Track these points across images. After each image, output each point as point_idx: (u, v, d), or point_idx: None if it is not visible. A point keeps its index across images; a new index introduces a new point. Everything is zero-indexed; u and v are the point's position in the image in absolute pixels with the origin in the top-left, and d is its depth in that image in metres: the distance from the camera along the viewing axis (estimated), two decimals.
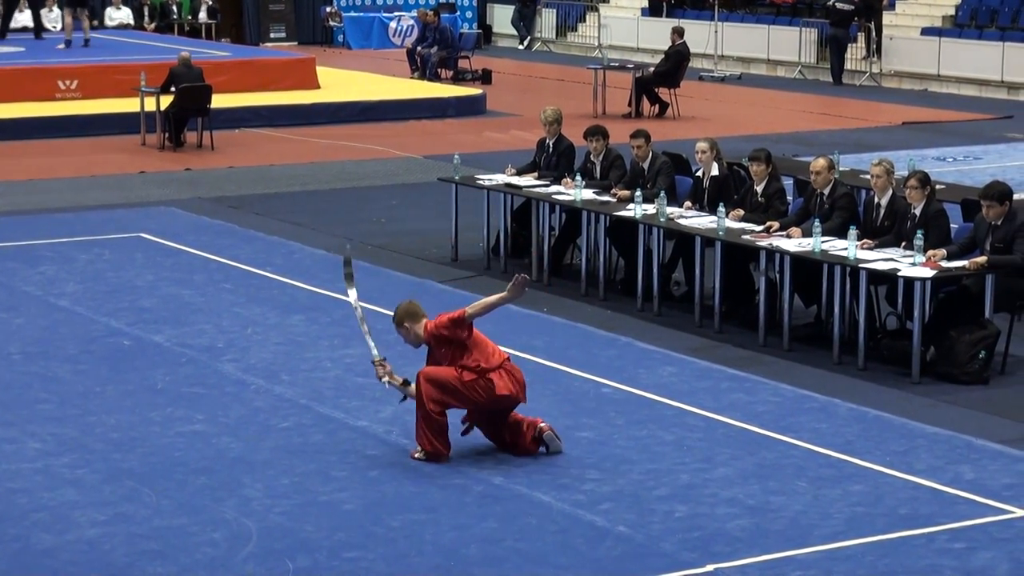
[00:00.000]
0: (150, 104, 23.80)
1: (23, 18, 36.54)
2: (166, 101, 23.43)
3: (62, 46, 29.23)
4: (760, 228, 13.60)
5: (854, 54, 33.50)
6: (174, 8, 38.64)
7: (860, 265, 12.50)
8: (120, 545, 8.84)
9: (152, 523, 9.17)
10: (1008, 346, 12.55)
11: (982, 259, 12.34)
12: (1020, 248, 12.40)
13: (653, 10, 38.71)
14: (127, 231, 17.53)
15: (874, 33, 33.20)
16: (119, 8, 37.34)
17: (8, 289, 14.81)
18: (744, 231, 13.61)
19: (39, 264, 15.84)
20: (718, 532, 9.07)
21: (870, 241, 12.90)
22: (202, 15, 39.01)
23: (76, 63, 27.72)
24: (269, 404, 11.43)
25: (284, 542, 8.91)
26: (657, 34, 34.97)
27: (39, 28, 31.32)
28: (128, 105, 24.67)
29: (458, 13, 40.36)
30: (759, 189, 14.17)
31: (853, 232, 12.67)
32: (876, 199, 13.39)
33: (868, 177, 13.92)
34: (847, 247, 12.64)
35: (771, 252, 13.18)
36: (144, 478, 9.89)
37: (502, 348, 10.68)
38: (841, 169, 15.93)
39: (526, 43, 40.88)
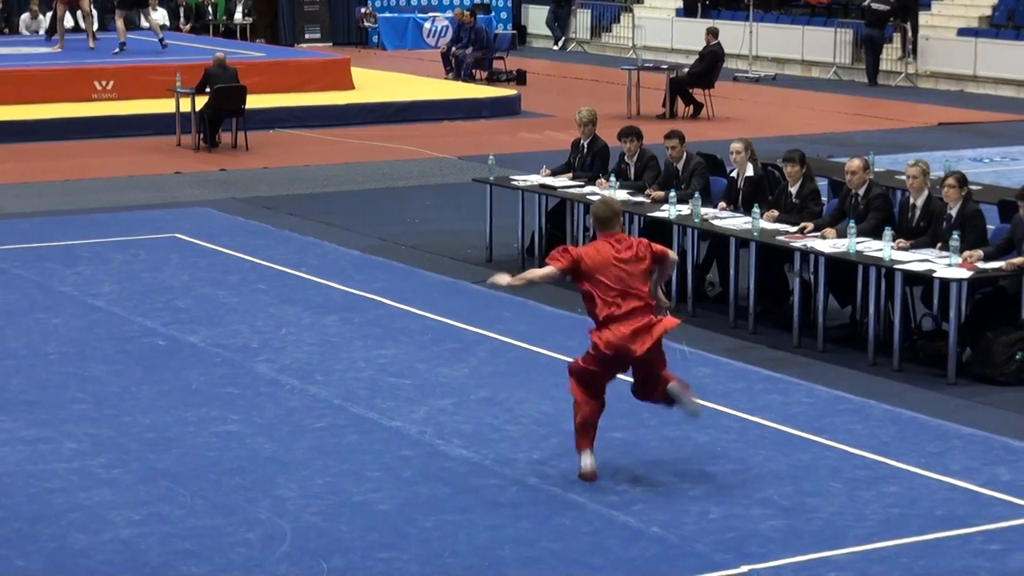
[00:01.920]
0: (185, 105, 23.88)
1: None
2: (201, 102, 23.50)
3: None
4: (795, 229, 13.56)
5: (889, 55, 33.38)
6: (209, 9, 38.72)
7: (895, 266, 12.45)
8: (155, 545, 8.87)
9: (187, 523, 9.20)
10: None
11: (1019, 260, 12.28)
12: None
13: (687, 11, 38.63)
14: (162, 231, 17.58)
15: (910, 33, 33.08)
16: (155, 9, 37.41)
17: (45, 289, 14.87)
18: (779, 232, 13.57)
19: (76, 264, 15.90)
20: (752, 533, 9.05)
21: (905, 242, 12.85)
22: (237, 16, 39.10)
23: (112, 64, 27.83)
24: (303, 404, 11.45)
25: (318, 542, 8.92)
26: (691, 35, 34.90)
27: (60, 29, 31.50)
28: (163, 106, 24.75)
29: (493, 14, 40.35)
30: (793, 190, 14.13)
31: (888, 233, 12.63)
32: (912, 200, 13.34)
33: (904, 178, 13.88)
34: (882, 248, 12.60)
35: (805, 253, 13.15)
36: (179, 478, 9.92)
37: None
38: (876, 170, 15.87)
39: (560, 44, 40.86)
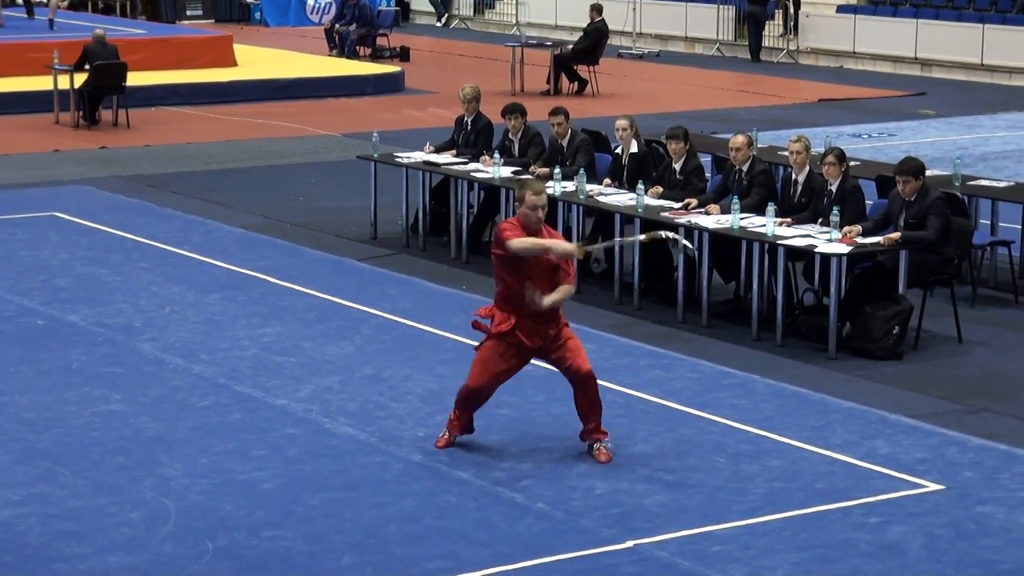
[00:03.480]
0: (64, 82, 23.58)
1: None
2: (80, 79, 23.22)
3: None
4: (679, 205, 13.65)
5: (771, 31, 33.66)
6: None
7: (778, 241, 12.57)
8: (35, 526, 8.77)
9: (68, 504, 9.10)
10: (921, 322, 12.69)
11: (896, 235, 12.46)
12: (933, 224, 12.54)
13: None
14: (41, 210, 17.37)
15: (791, 10, 33.37)
16: None
17: None
18: (663, 208, 13.65)
19: None
20: (637, 508, 9.11)
21: (788, 220, 12.97)
22: None
23: None
24: (187, 383, 11.37)
25: (203, 521, 8.87)
26: (575, 11, 34.97)
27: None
28: (41, 83, 24.43)
29: None
30: (677, 166, 14.22)
31: (771, 209, 12.75)
32: (794, 175, 13.47)
33: (786, 154, 14.01)
34: (765, 224, 12.71)
35: (690, 229, 13.24)
36: (59, 458, 9.81)
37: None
38: (759, 146, 16.01)
39: (444, 20, 40.82)
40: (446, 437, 10.14)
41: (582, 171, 14.33)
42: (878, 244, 12.47)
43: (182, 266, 14.89)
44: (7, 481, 9.41)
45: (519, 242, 9.72)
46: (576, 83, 27.85)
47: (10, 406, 10.80)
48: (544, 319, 9.84)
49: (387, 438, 10.25)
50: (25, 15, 30.74)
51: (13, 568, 8.28)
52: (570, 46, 28.46)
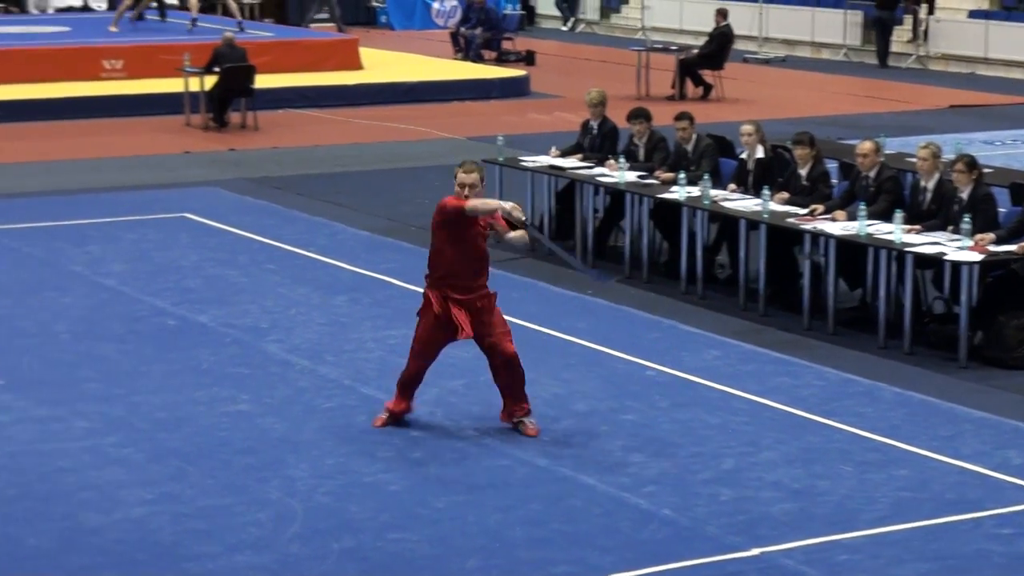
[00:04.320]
0: (194, 84, 23.87)
1: None
2: (210, 81, 23.49)
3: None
4: (805, 211, 13.55)
5: (900, 37, 33.32)
6: None
7: (906, 249, 12.44)
8: (166, 524, 8.88)
9: (197, 503, 9.21)
10: None
11: None
12: None
13: None
14: (172, 211, 17.59)
15: (921, 15, 33.01)
16: None
17: (55, 268, 14.88)
18: (789, 214, 13.56)
19: (86, 243, 15.91)
20: (763, 516, 9.06)
21: (917, 227, 12.83)
22: None
23: (121, 43, 27.83)
24: (313, 384, 11.47)
25: (328, 522, 8.93)
26: (701, 16, 34.84)
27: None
28: (172, 85, 24.74)
29: None
30: (803, 172, 14.12)
31: (899, 215, 12.62)
32: (922, 182, 13.33)
33: (914, 160, 13.86)
34: (893, 230, 12.59)
35: (816, 235, 13.14)
36: (189, 458, 9.93)
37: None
38: (887, 152, 15.85)
39: (570, 24, 40.82)
40: (384, 417, 10.50)
41: (707, 176, 14.27)
42: (1012, 252, 12.30)
43: (308, 268, 15.02)
44: (140, 480, 9.54)
45: (476, 201, 10.21)
46: (701, 88, 27.74)
47: (143, 405, 10.94)
48: (473, 293, 10.34)
49: (512, 442, 10.26)
50: (159, 18, 31.13)
51: (146, 566, 8.40)
52: (695, 50, 28.34)
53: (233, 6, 31.21)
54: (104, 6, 36.50)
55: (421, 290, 14.05)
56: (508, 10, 38.38)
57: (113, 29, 29.70)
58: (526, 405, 10.50)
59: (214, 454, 10.01)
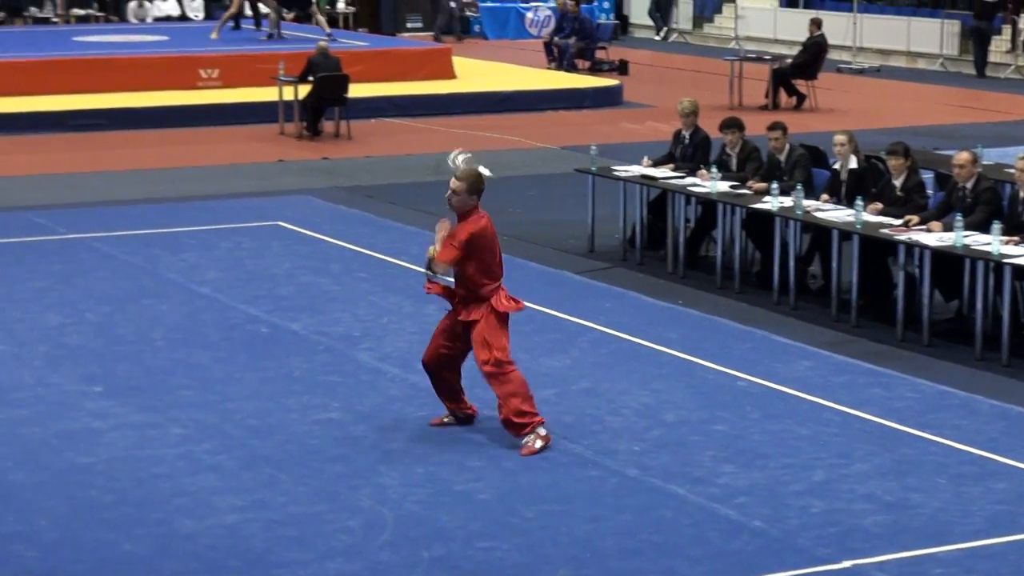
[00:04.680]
0: (288, 93, 24.03)
1: (167, 7, 37.16)
2: (304, 90, 23.64)
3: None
4: (899, 222, 13.44)
5: (998, 46, 32.98)
6: None
7: (1004, 260, 12.31)
8: (258, 531, 8.94)
9: (289, 510, 9.26)
10: None
11: None
12: None
13: (790, 1, 38.41)
14: (265, 219, 17.71)
15: (1020, 25, 32.66)
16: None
17: (152, 276, 15.02)
18: (882, 224, 13.46)
19: (181, 251, 16.06)
20: (855, 528, 8.98)
21: (1015, 238, 12.69)
22: (340, 5, 39.32)
23: (218, 52, 28.09)
24: (404, 393, 11.50)
25: (419, 531, 8.95)
26: (795, 25, 34.70)
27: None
28: (267, 94, 24.93)
29: (596, 3, 40.29)
30: (898, 183, 14.01)
31: (997, 227, 12.49)
32: (1021, 193, 13.18)
33: (1013, 171, 13.70)
34: (990, 242, 12.45)
35: (910, 246, 13.03)
36: (281, 465, 9.99)
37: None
38: (984, 163, 15.69)
39: (663, 34, 40.75)
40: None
41: (799, 186, 14.19)
42: None
43: (400, 276, 15.07)
44: (233, 486, 9.61)
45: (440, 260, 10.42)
46: (795, 97, 27.59)
47: (236, 412, 11.02)
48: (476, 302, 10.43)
49: (603, 452, 10.25)
50: (254, 27, 31.37)
51: (238, 572, 8.46)
52: (789, 60, 28.21)
53: (321, 18, 31.35)
54: (201, 16, 36.83)
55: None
56: (602, 20, 38.37)
57: (214, 36, 29.95)
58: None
59: (306, 461, 10.06)
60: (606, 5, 41.33)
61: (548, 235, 17.04)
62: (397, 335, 13.05)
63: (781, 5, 38.51)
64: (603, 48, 33.35)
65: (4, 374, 11.83)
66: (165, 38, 30.97)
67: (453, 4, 39.07)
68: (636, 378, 11.84)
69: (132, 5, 36.78)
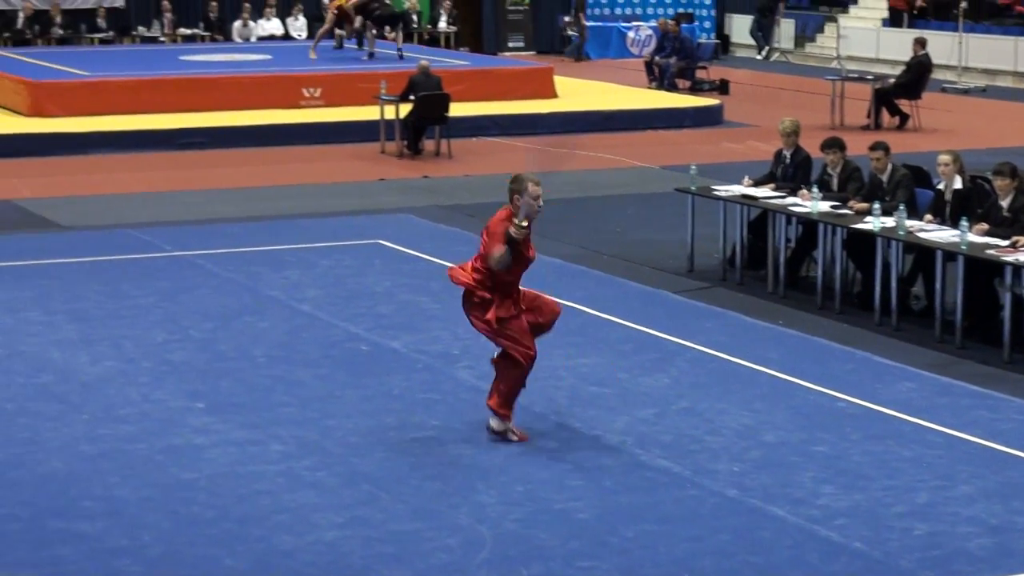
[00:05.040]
0: (390, 112, 24.16)
1: (270, 26, 37.51)
2: (405, 109, 23.76)
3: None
4: (1006, 243, 13.29)
5: None
6: (414, 17, 39.11)
7: None
8: (357, 548, 8.97)
9: (388, 527, 9.29)
10: None
11: None
12: None
13: (894, 20, 38.13)
14: (366, 237, 17.81)
15: None
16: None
17: (254, 293, 15.15)
18: (988, 245, 13.32)
19: (283, 269, 16.18)
20: (959, 551, 8.88)
21: None
22: (441, 24, 39.51)
23: (320, 71, 28.29)
24: None
25: (518, 549, 8.95)
26: (898, 45, 34.42)
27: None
28: (369, 113, 25.08)
29: (697, 23, 40.24)
30: (1004, 203, 13.86)
31: None
32: None
33: None
34: None
35: (1018, 267, 12.88)
36: (381, 482, 10.03)
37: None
38: None
39: (764, 53, 40.58)
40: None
41: (902, 207, 14.08)
42: None
43: None
44: (332, 503, 9.66)
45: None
46: (897, 117, 27.38)
47: (336, 429, 11.08)
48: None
49: (701, 472, 10.20)
50: (356, 46, 31.56)
51: None
52: (892, 80, 28.00)
53: (397, 35, 31.41)
54: (304, 35, 37.13)
55: (614, 318, 14.13)
56: (703, 39, 38.30)
57: (312, 56, 30.18)
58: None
59: (405, 479, 10.10)
60: (707, 25, 41.25)
61: (647, 254, 17.01)
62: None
63: (884, 25, 38.24)
64: (704, 67, 33.27)
65: (112, 390, 11.97)
66: (268, 57, 31.25)
67: (569, 26, 39.26)
68: (735, 398, 11.79)
69: (237, 25, 37.19)
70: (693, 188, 16.39)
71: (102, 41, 36.25)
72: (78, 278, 15.64)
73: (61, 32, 35.99)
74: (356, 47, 31.53)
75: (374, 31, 30.45)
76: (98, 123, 25.22)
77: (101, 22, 36.68)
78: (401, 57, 29.50)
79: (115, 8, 37.25)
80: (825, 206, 14.94)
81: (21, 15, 35.53)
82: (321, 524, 9.32)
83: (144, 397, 11.82)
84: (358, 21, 30.16)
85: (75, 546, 8.98)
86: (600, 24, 40.39)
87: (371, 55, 30.07)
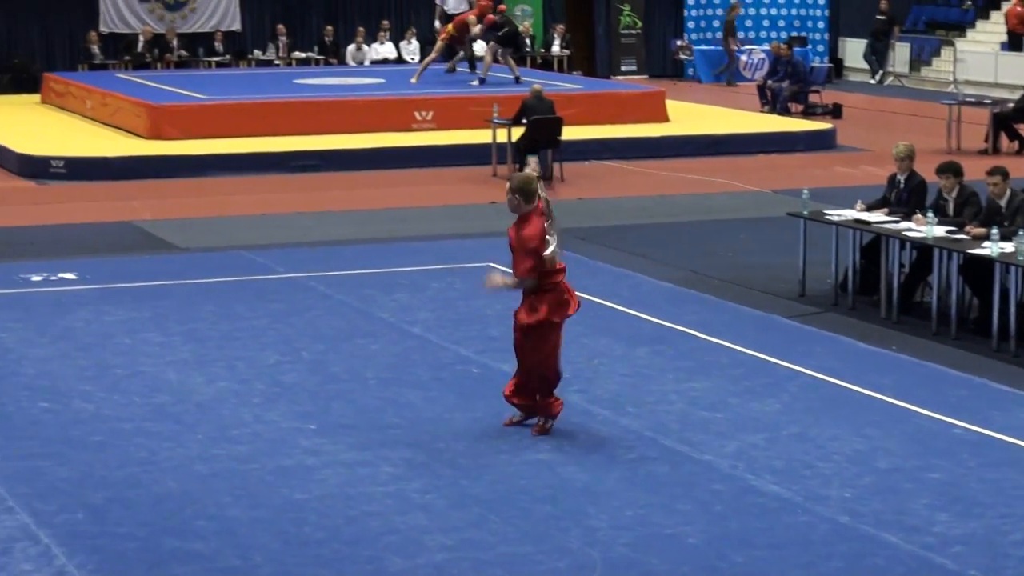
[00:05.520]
0: (502, 135, 24.23)
1: (384, 50, 37.77)
2: (517, 133, 23.81)
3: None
4: None
5: None
6: (527, 41, 39.16)
7: None
8: (467, 571, 8.98)
9: (498, 550, 9.30)
10: None
11: None
12: None
13: (1013, 44, 37.68)
14: (477, 260, 17.83)
15: None
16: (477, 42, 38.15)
17: (366, 315, 15.23)
18: None
19: (394, 291, 16.25)
20: None
21: None
22: (555, 48, 39.56)
23: (433, 95, 28.42)
24: (614, 435, 11.49)
25: (628, 573, 8.92)
26: (1018, 69, 34.05)
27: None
28: (480, 136, 25.16)
29: (810, 47, 40.01)
30: None
31: None
32: None
33: None
34: None
35: None
36: (490, 505, 10.03)
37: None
38: None
39: (878, 77, 40.26)
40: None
41: (1021, 232, 13.89)
42: None
43: (611, 319, 15.07)
44: (442, 526, 9.68)
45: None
46: (1017, 142, 27.04)
47: (446, 452, 11.10)
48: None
49: (813, 498, 10.12)
50: (469, 70, 31.67)
51: None
52: (1011, 104, 27.66)
53: (511, 62, 31.45)
54: (416, 58, 37.33)
55: (725, 343, 14.06)
56: (816, 63, 38.07)
57: (413, 81, 30.30)
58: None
59: (515, 502, 10.10)
60: (820, 48, 40.99)
61: (759, 279, 16.92)
62: (607, 378, 13.04)
63: (1003, 48, 37.80)
64: (817, 91, 33.07)
65: (226, 411, 12.09)
66: (381, 81, 31.45)
67: (681, 50, 39.24)
68: (847, 424, 11.69)
69: (351, 49, 37.48)
70: (805, 212, 16.28)
71: (219, 64, 36.69)
72: (194, 299, 15.81)
73: (179, 55, 36.46)
74: (468, 70, 31.64)
75: (499, 52, 30.31)
76: (215, 146, 25.51)
77: (218, 45, 37.12)
78: (518, 81, 29.54)
79: (232, 32, 37.69)
80: (940, 231, 14.79)
81: (141, 39, 36.03)
82: (431, 546, 9.34)
83: (256, 418, 11.92)
84: (480, 45, 30.21)
85: (189, 565, 9.07)
86: (713, 48, 40.27)
87: (482, 80, 30.12)
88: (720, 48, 39.97)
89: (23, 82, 35.12)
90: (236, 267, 17.51)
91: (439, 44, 31.16)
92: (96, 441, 11.30)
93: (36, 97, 33.23)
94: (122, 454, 11.01)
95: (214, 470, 10.68)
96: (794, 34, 39.94)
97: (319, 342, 14.18)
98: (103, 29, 36.56)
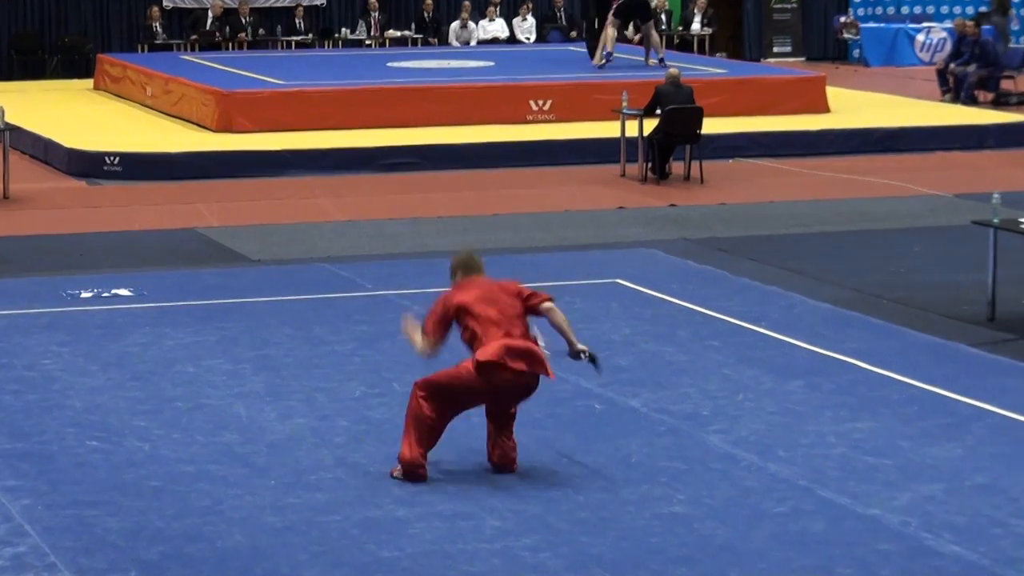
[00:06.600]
0: (632, 129, 24.20)
1: (493, 28, 37.87)
2: (650, 125, 23.77)
3: (654, 62, 30.13)
4: None
5: None
6: (663, 18, 39.10)
7: None
8: None
9: None
10: None
11: None
12: None
13: None
14: (602, 276, 17.84)
15: None
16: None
17: None
18: None
19: None
20: None
21: None
22: (695, 26, 39.47)
23: (550, 80, 28.47)
24: (762, 484, 11.43)
25: None
26: None
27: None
28: (607, 129, 25.17)
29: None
30: None
31: None
32: None
33: None
34: None
35: None
36: (616, 566, 10.00)
37: None
38: None
39: None
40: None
41: None
42: None
43: (758, 346, 15.01)
44: None
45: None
46: None
47: (564, 502, 11.08)
48: None
49: (1004, 561, 10.01)
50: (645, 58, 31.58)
51: None
52: None
53: (655, 37, 31.33)
54: (532, 37, 37.39)
55: (895, 375, 13.95)
56: (1010, 44, 37.72)
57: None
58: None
59: (645, 563, 10.06)
60: (1015, 26, 40.60)
61: (938, 299, 16.80)
62: (754, 415, 12.99)
63: None
64: (1010, 77, 32.79)
65: (302, 452, 12.13)
66: (491, 64, 31.56)
67: (845, 27, 39.05)
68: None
69: (454, 26, 37.60)
70: (995, 220, 16.14)
71: (299, 45, 36.96)
72: (267, 320, 15.92)
73: (254, 34, 36.70)
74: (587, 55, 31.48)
75: (620, 25, 30.27)
76: (293, 140, 25.70)
77: (299, 23, 37.38)
78: (662, 62, 29.48)
79: (314, 6, 37.95)
80: None
81: (210, 14, 36.33)
82: None
83: (339, 461, 11.96)
84: (612, 23, 30.17)
85: None
86: (882, 26, 40.05)
87: (661, 60, 29.87)
88: (890, 26, 39.74)
89: (74, 65, 35.68)
90: (316, 283, 17.62)
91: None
92: (152, 487, 11.39)
93: (88, 83, 33.73)
94: (181, 502, 11.09)
95: (288, 522, 10.73)
96: (983, 9, 39.55)
97: (412, 372, 14.17)
98: (166, 3, 37.00)
